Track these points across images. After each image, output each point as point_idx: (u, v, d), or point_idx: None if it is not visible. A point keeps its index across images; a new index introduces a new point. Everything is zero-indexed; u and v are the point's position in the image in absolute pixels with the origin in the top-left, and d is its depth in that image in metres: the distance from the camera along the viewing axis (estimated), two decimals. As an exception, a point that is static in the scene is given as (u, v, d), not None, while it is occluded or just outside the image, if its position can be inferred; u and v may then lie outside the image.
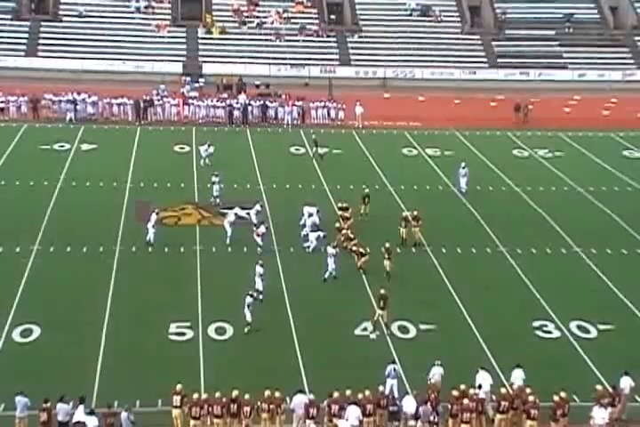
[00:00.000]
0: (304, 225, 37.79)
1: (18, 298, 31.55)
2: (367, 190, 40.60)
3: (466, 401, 24.39)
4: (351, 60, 70.63)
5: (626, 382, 25.96)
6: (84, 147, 49.52)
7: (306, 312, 31.43)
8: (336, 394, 24.40)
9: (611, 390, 25.67)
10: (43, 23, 69.73)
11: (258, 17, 72.92)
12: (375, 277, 33.75)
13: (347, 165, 48.27)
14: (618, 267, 36.38)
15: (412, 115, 58.29)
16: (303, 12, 74.43)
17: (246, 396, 24.16)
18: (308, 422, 24.07)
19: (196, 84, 63.77)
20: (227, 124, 55.06)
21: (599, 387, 25.82)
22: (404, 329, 30.64)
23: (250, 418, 24.11)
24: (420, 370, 26.67)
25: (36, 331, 29.39)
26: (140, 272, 34.31)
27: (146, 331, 29.74)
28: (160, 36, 70.39)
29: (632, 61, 73.59)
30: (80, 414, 23.59)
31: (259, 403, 24.17)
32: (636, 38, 75.39)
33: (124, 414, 23.69)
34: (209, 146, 47.01)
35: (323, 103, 57.23)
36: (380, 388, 25.29)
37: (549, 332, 31.00)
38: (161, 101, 56.08)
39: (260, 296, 31.75)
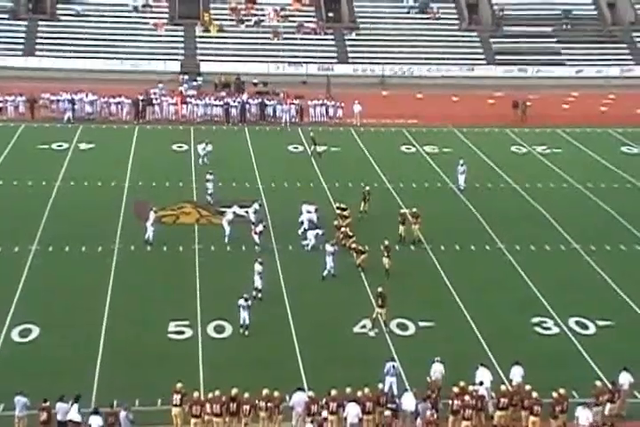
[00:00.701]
0: (302, 223, 37.82)
1: (17, 298, 31.54)
2: (367, 188, 40.59)
3: (467, 398, 24.39)
4: (349, 58, 70.63)
5: (625, 379, 25.94)
6: (83, 146, 49.52)
7: (305, 310, 31.44)
8: (334, 392, 24.39)
9: (610, 386, 25.66)
10: (40, 22, 69.72)
11: (255, 15, 72.92)
12: (374, 275, 33.76)
13: (345, 162, 48.27)
14: (616, 263, 36.39)
15: (410, 112, 58.26)
16: (301, 10, 74.43)
17: (245, 394, 24.15)
18: (308, 419, 24.03)
19: (194, 83, 63.74)
20: (224, 122, 55.06)
21: (598, 383, 25.83)
22: (403, 327, 30.64)
23: (249, 417, 24.10)
24: (420, 367, 26.66)
25: (35, 331, 29.39)
26: (138, 271, 34.33)
27: (145, 330, 29.73)
28: (158, 35, 70.42)
29: (630, 57, 73.67)
30: (73, 413, 23.58)
31: (257, 402, 24.16)
32: (634, 34, 75.46)
33: (123, 413, 23.68)
34: (207, 144, 47.01)
35: (321, 101, 57.23)
36: (380, 385, 25.30)
37: (548, 328, 31.01)
38: (159, 100, 56.07)
39: (259, 294, 31.76)
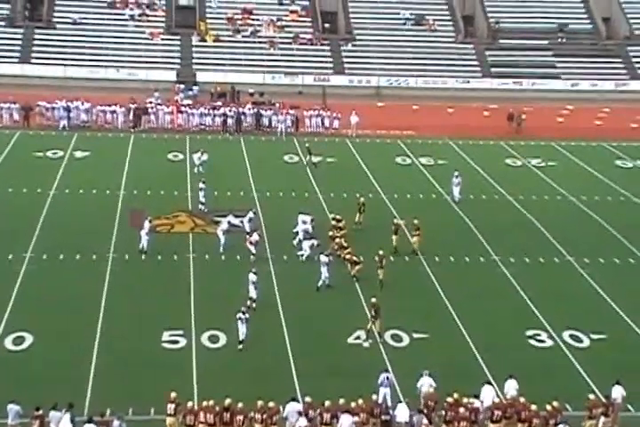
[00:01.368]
0: (297, 233, 37.82)
1: (10, 305, 31.45)
2: (362, 199, 40.61)
3: (461, 410, 24.36)
4: (345, 69, 70.75)
5: (618, 392, 25.91)
6: (78, 154, 49.50)
7: (299, 320, 31.41)
8: (327, 403, 24.33)
9: (603, 399, 25.65)
10: (37, 30, 69.72)
11: (252, 25, 73.01)
12: (369, 286, 33.75)
13: (340, 173, 48.31)
14: (610, 276, 36.44)
15: (406, 124, 58.37)
16: (297, 21, 74.56)
17: (239, 404, 24.09)
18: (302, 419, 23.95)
19: (190, 92, 63.80)
20: (221, 131, 55.08)
21: (591, 396, 25.83)
22: (397, 338, 30.62)
23: (243, 427, 24.08)
24: (413, 379, 26.54)
25: (29, 339, 29.28)
26: (133, 280, 34.26)
27: (139, 339, 29.67)
28: (154, 44, 70.43)
29: (624, 72, 73.93)
30: (65, 422, 23.46)
31: (252, 413, 24.08)
32: (629, 49, 75.72)
33: (116, 423, 23.56)
34: (202, 154, 47.02)
35: (317, 112, 57.31)
36: (374, 396, 25.27)
37: (542, 341, 31.02)
38: (155, 109, 56.11)
39: (254, 304, 31.72)
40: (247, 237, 36.57)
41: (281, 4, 75.46)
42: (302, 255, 36.42)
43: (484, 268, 36.95)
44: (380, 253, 34.56)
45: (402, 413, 24.71)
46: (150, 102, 56.88)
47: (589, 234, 41.22)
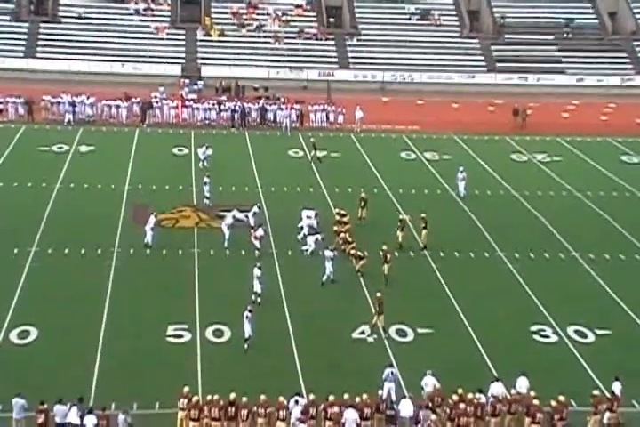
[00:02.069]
0: (302, 228, 37.82)
1: (15, 299, 31.50)
2: (363, 195, 40.56)
3: (462, 406, 24.34)
4: (350, 64, 70.67)
5: (616, 388, 25.91)
6: (83, 149, 49.52)
7: (304, 315, 31.40)
8: (331, 397, 24.34)
9: (608, 395, 25.63)
10: (42, 24, 69.74)
11: (257, 20, 72.96)
12: (373, 281, 33.76)
13: (345, 168, 48.28)
14: (615, 272, 36.40)
15: (411, 119, 58.30)
16: (302, 16, 74.47)
17: (244, 399, 24.10)
18: (304, 425, 23.96)
19: (195, 87, 63.74)
20: (232, 126, 54.97)
21: (596, 392, 25.80)
22: (402, 333, 30.62)
23: (247, 421, 24.05)
24: (418, 374, 26.53)
25: (34, 333, 29.34)
26: (137, 274, 34.29)
27: (143, 333, 29.69)
28: (159, 39, 70.41)
29: (630, 66, 73.73)
30: (73, 416, 23.52)
31: (255, 408, 24.09)
32: (635, 43, 75.55)
33: (121, 417, 23.63)
34: (207, 148, 47.01)
35: (321, 106, 57.29)
36: (379, 392, 25.27)
37: (547, 336, 31.00)
38: (159, 104, 56.12)
39: (259, 299, 31.73)
40: (252, 231, 36.57)
41: (286, -2, 75.49)
42: (307, 250, 36.41)
43: (489, 263, 36.91)
44: (384, 248, 34.54)
45: (406, 408, 24.70)
46: (155, 97, 56.86)
47: (594, 230, 41.14)
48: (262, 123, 56.12)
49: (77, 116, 54.37)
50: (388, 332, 30.34)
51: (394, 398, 25.59)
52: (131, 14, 72.11)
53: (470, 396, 24.76)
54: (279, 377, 27.15)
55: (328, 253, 34.08)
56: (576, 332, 31.27)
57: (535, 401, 24.60)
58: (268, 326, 30.10)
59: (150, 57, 68.16)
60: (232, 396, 24.02)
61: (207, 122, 55.66)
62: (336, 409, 24.07)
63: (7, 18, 69.63)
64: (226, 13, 73.43)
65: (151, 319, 30.59)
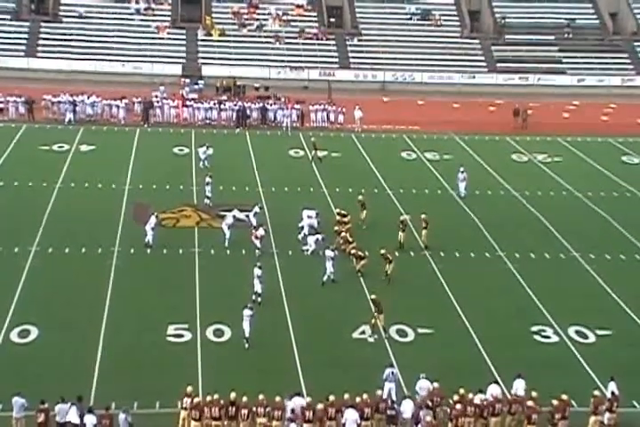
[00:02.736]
0: (302, 227, 37.82)
1: (16, 299, 31.49)
2: (361, 197, 40.28)
3: (458, 406, 24.31)
4: (350, 64, 70.70)
5: (613, 389, 25.86)
6: (83, 148, 49.52)
7: (304, 315, 31.39)
8: (332, 398, 24.31)
9: (609, 395, 25.63)
10: (42, 24, 69.77)
11: (257, 19, 73.01)
12: (374, 281, 33.75)
13: (345, 168, 48.27)
14: (616, 272, 36.39)
15: (411, 119, 58.31)
16: (303, 15, 74.54)
17: (244, 398, 24.10)
18: (294, 425, 23.91)
19: (196, 86, 63.76)
20: (237, 126, 54.93)
21: (597, 393, 25.79)
22: (402, 333, 30.61)
23: (247, 421, 24.05)
24: (419, 373, 26.50)
25: (34, 332, 29.32)
26: (138, 274, 34.29)
27: (144, 332, 29.68)
28: (160, 38, 70.43)
29: (631, 67, 73.79)
30: (72, 415, 23.52)
31: (254, 408, 24.07)
32: (636, 44, 75.61)
33: (121, 416, 23.63)
34: (207, 148, 47.00)
35: (322, 106, 57.30)
36: (379, 392, 25.26)
37: (548, 337, 30.98)
38: (160, 103, 56.13)
39: (259, 299, 31.73)
40: (253, 231, 36.56)
41: (287, -2, 75.53)
42: (307, 250, 36.41)
43: (490, 263, 36.90)
44: (382, 252, 34.35)
45: (408, 408, 24.67)
46: (156, 96, 56.87)
47: (595, 230, 41.14)
48: (263, 122, 56.12)
49: (78, 115, 54.38)
50: (388, 332, 30.33)
51: (394, 398, 25.54)
52: (131, 14, 72.15)
53: (470, 396, 24.73)
54: (280, 377, 27.14)
55: (329, 252, 34.08)
56: (577, 332, 31.22)
57: (529, 402, 24.55)
58: (268, 326, 30.11)
59: (151, 56, 68.17)
60: (232, 395, 24.01)
61: (208, 122, 55.68)
62: (336, 409, 24.05)
63: (8, 17, 69.65)
64: (226, 13, 73.46)
65: (152, 319, 30.56)
